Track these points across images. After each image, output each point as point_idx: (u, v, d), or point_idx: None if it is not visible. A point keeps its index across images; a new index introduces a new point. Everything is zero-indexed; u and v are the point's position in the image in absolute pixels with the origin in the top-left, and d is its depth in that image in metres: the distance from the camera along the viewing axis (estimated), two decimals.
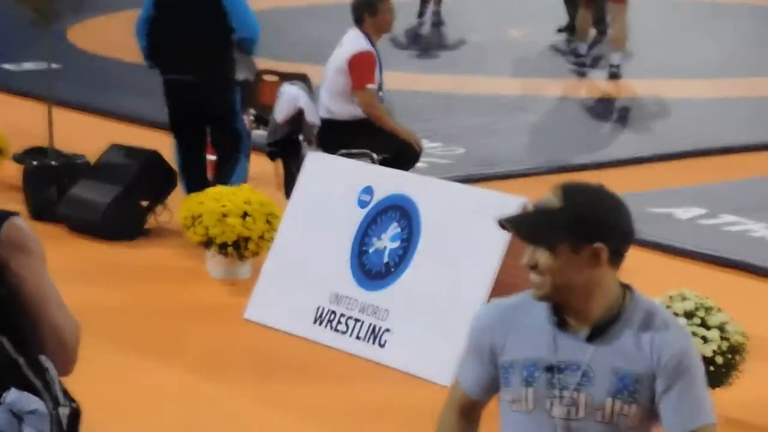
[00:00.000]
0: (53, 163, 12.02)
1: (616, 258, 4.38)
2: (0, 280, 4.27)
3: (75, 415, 4.42)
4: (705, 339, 8.26)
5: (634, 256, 11.32)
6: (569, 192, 4.45)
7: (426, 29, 20.62)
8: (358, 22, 11.42)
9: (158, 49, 11.96)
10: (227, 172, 11.93)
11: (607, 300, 4.40)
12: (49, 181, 11.90)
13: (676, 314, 8.24)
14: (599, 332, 4.38)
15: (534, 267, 4.36)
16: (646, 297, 4.48)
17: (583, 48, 18.74)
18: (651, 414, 4.37)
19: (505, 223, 4.48)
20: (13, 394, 4.14)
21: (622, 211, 4.45)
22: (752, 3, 23.88)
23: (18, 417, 4.21)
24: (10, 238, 4.31)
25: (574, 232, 4.33)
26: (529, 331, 4.47)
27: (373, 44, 11.40)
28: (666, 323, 4.40)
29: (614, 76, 18.42)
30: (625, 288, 4.45)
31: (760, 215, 11.92)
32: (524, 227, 4.53)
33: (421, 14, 20.69)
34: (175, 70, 11.88)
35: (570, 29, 19.12)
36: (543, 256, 4.36)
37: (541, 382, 4.41)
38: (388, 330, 9.29)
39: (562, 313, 4.41)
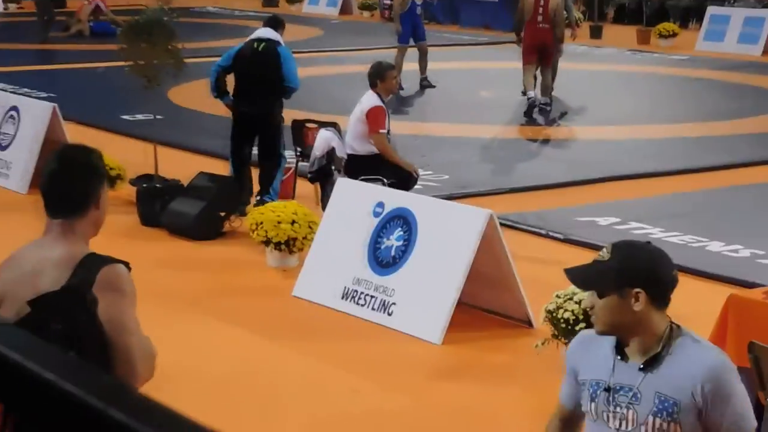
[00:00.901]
0: (158, 185, 12.08)
1: (658, 300, 4.25)
2: (88, 312, 4.19)
3: None
4: None
5: (567, 251, 11.38)
6: (617, 247, 4.36)
7: (419, 91, 20.60)
8: (372, 86, 11.48)
9: (235, 89, 12.43)
10: (270, 181, 12.27)
11: (655, 335, 4.27)
12: (155, 198, 11.96)
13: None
14: (650, 362, 4.26)
15: (591, 308, 4.32)
16: (691, 332, 4.34)
17: (529, 93, 18.64)
18: (695, 430, 4.22)
19: (567, 274, 4.47)
20: None
21: (661, 261, 4.34)
22: (654, 71, 23.88)
23: None
24: (106, 280, 4.21)
25: (618, 280, 4.23)
26: (599, 358, 4.39)
27: (383, 101, 11.46)
28: (706, 353, 4.27)
29: (543, 110, 18.56)
30: (674, 325, 4.31)
31: (656, 222, 11.96)
32: (580, 278, 4.49)
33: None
34: (245, 105, 12.22)
35: (525, 93, 19.11)
36: (596, 300, 4.28)
37: (601, 399, 4.36)
38: (394, 304, 9.32)
39: (622, 346, 4.31)
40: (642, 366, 4.28)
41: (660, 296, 4.26)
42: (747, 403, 4.29)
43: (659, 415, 4.24)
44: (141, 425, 0.97)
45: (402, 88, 19.53)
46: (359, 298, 9.59)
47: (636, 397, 4.27)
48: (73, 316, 4.15)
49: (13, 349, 1.12)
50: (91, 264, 4.25)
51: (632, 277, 4.22)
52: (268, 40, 12.29)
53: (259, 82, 12.16)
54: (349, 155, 11.53)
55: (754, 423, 4.26)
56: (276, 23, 12.66)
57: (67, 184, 4.40)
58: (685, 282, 10.26)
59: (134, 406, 1.01)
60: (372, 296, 9.52)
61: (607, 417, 4.35)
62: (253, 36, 12.52)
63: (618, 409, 4.32)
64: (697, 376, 4.17)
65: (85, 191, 4.38)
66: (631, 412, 4.29)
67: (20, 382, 1.09)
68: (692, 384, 4.17)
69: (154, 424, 0.97)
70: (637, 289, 4.20)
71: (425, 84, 20.62)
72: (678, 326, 4.33)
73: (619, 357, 4.33)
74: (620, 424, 4.32)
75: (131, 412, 0.99)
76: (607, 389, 4.34)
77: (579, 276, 4.49)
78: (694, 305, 9.31)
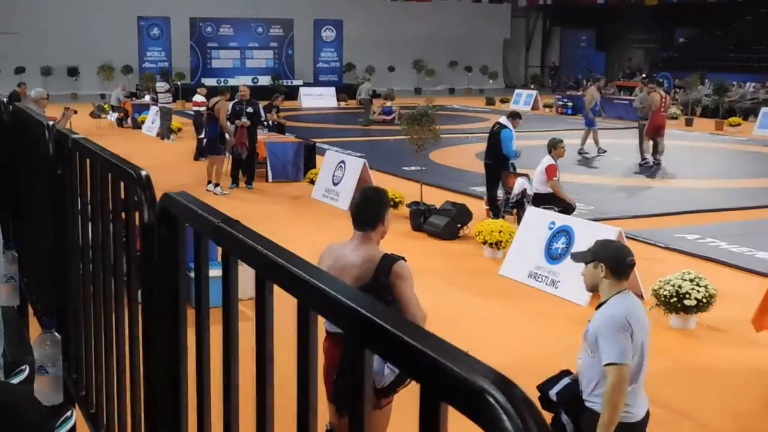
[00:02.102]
0: (422, 207, 12.19)
1: (616, 273, 4.25)
2: (388, 293, 4.20)
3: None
4: (698, 290, 8.01)
5: (665, 254, 10.87)
6: (598, 242, 4.48)
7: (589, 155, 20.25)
8: (549, 152, 11.36)
9: (488, 152, 12.67)
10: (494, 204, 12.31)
11: (607, 293, 4.26)
12: (420, 215, 12.08)
13: (684, 279, 8.03)
14: (598, 307, 4.29)
15: (583, 275, 4.39)
16: (625, 298, 4.26)
17: (644, 158, 18.32)
18: (594, 350, 4.20)
19: (570, 254, 4.69)
20: None
21: (620, 251, 4.36)
22: (725, 147, 22.82)
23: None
24: (396, 272, 4.24)
25: (592, 258, 4.30)
26: None
27: (555, 161, 11.32)
28: (610, 308, 4.21)
29: (656, 167, 18.10)
30: (622, 291, 4.27)
31: (723, 238, 11.47)
32: (576, 256, 4.53)
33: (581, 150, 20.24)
34: (487, 159, 12.63)
35: (643, 158, 18.67)
36: (584, 269, 4.36)
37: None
38: (559, 281, 9.22)
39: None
40: (596, 309, 4.31)
41: (616, 270, 4.25)
42: (612, 344, 4.09)
43: (584, 337, 4.26)
44: (416, 342, 0.98)
45: (605, 151, 19.78)
46: (538, 277, 9.51)
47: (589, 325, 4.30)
48: (381, 296, 4.12)
49: (363, 307, 1.13)
50: (386, 262, 4.29)
51: (599, 256, 4.28)
52: (501, 125, 12.39)
53: (492, 148, 12.42)
54: (534, 193, 11.45)
55: (607, 359, 4.07)
56: (511, 115, 12.74)
57: (365, 210, 4.46)
58: (741, 276, 9.91)
59: (414, 332, 1.02)
60: (546, 276, 9.43)
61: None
62: (497, 120, 12.79)
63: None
64: (599, 319, 4.18)
65: (375, 215, 4.43)
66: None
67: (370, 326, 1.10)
68: (596, 322, 4.19)
69: (424, 341, 0.98)
70: (602, 263, 4.24)
71: (582, 152, 20.15)
72: (624, 291, 4.26)
73: (597, 305, 4.36)
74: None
75: (413, 336, 1.00)
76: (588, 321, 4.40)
77: (576, 255, 4.53)
78: (747, 289, 8.97)
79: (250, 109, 15.08)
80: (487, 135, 12.73)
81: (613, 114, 30.08)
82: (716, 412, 6.34)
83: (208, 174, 15.16)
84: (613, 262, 4.25)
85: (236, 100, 15.19)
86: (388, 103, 27.93)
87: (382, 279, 4.23)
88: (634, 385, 4.16)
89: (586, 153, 20.05)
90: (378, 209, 4.45)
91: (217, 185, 14.92)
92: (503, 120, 12.54)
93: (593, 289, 4.34)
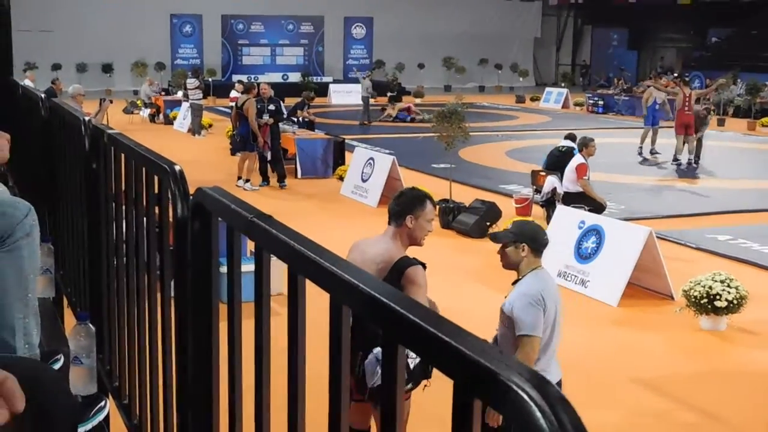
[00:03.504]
0: (451, 205, 12.16)
1: (535, 252, 4.48)
2: None
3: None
4: (729, 291, 7.93)
5: (697, 255, 10.78)
6: (516, 223, 4.79)
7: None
8: (580, 150, 11.30)
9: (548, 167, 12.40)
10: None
11: (525, 270, 4.47)
12: (449, 212, 12.05)
13: (715, 280, 7.95)
14: (515, 283, 4.52)
15: (501, 254, 4.58)
16: (540, 274, 4.47)
17: (678, 157, 18.21)
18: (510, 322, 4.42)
19: (489, 236, 4.83)
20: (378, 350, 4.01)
21: (536, 230, 4.59)
22: (757, 147, 22.50)
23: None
24: (408, 276, 4.21)
25: (513, 239, 4.49)
26: None
27: (586, 160, 11.25)
28: (526, 284, 4.43)
29: (690, 163, 18.05)
30: (536, 267, 4.49)
31: (755, 239, 11.35)
32: (494, 237, 4.66)
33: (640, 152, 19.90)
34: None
35: (674, 158, 18.49)
36: (505, 250, 4.52)
37: None
38: (588, 281, 9.17)
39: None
40: (513, 284, 4.53)
41: (536, 249, 4.48)
42: (524, 317, 4.32)
43: (502, 311, 4.46)
44: (449, 338, 0.98)
45: (659, 153, 19.37)
46: (568, 277, 9.46)
47: (506, 299, 4.53)
48: None
49: (387, 297, 1.13)
50: (401, 265, 4.27)
51: (520, 237, 4.48)
52: (570, 146, 12.17)
53: (555, 166, 12.12)
54: (564, 192, 11.39)
55: (520, 331, 4.32)
56: (570, 137, 12.51)
57: (394, 202, 4.52)
58: None
59: (447, 328, 1.01)
60: (575, 276, 9.38)
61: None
62: (560, 144, 12.54)
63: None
64: (515, 294, 4.42)
65: (401, 209, 4.44)
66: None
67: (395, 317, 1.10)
68: (512, 297, 4.43)
69: (457, 338, 0.98)
70: (523, 244, 4.45)
71: (654, 152, 19.75)
72: (539, 268, 4.49)
73: (514, 282, 4.57)
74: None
75: (446, 332, 1.00)
76: (506, 296, 4.60)
77: (494, 236, 4.68)
78: None
79: (271, 107, 15.11)
80: (550, 155, 12.48)
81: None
82: (747, 416, 6.26)
83: (239, 170, 15.26)
84: (533, 242, 4.47)
85: (258, 98, 15.18)
86: (406, 105, 27.54)
87: (394, 281, 4.20)
88: (545, 356, 4.41)
89: (659, 152, 19.73)
90: (406, 205, 4.46)
91: (247, 181, 15.01)
92: (567, 142, 12.35)
93: (511, 267, 4.53)
